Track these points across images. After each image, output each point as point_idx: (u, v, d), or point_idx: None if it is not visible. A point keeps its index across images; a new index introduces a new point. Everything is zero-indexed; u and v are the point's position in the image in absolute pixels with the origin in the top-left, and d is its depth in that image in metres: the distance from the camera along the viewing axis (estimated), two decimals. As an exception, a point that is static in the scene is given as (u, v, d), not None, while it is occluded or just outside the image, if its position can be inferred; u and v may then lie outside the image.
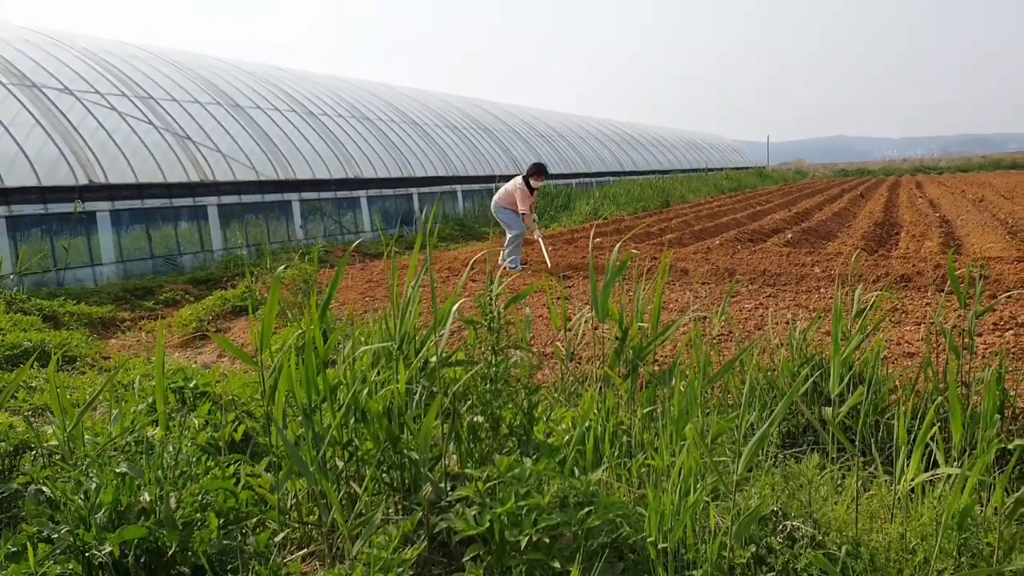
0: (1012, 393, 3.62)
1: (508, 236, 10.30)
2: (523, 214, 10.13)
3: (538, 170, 10.19)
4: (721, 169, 43.15)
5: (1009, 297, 6.66)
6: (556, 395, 3.71)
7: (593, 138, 32.05)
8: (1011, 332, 5.24)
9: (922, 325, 5.65)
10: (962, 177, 42.28)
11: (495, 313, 2.71)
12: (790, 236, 12.34)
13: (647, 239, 13.17)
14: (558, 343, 4.42)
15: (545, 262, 10.13)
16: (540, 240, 10.68)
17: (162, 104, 13.22)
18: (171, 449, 2.66)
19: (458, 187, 19.45)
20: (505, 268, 9.97)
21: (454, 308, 2.66)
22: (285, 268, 8.11)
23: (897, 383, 3.85)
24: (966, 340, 3.81)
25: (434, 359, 2.67)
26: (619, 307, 3.30)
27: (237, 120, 14.42)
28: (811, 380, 3.74)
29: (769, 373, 3.82)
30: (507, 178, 22.26)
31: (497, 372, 2.62)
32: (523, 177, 10.24)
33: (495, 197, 10.54)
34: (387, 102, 21.16)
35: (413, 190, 17.63)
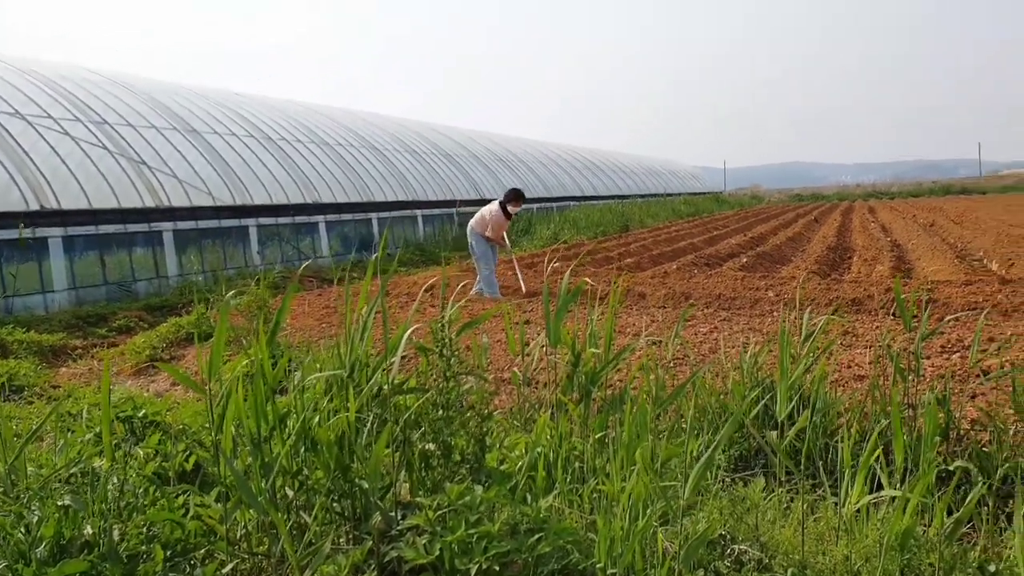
0: (957, 415, 3.71)
1: (479, 271, 10.13)
2: (490, 236, 10.02)
3: (516, 196, 10.04)
4: (679, 194, 43.76)
5: (956, 320, 6.84)
6: (511, 421, 3.72)
7: (554, 163, 32.32)
8: (958, 355, 5.37)
9: (872, 348, 5.76)
10: (914, 202, 43.40)
11: (446, 340, 2.72)
12: (745, 260, 12.54)
13: (606, 263, 13.30)
14: (515, 368, 4.43)
15: (520, 288, 10.13)
16: (515, 263, 10.67)
17: (117, 129, 13.06)
18: (115, 480, 2.61)
19: (418, 212, 19.47)
20: (473, 293, 9.90)
21: (406, 334, 2.66)
22: (236, 294, 8.03)
23: (845, 406, 3.93)
24: (913, 363, 3.91)
25: (386, 387, 2.67)
26: (574, 333, 3.33)
27: (194, 145, 14.29)
28: (762, 403, 3.80)
29: (722, 396, 3.88)
30: (469, 203, 22.48)
31: (449, 399, 2.62)
32: (500, 203, 10.08)
33: (471, 223, 10.33)
34: (346, 127, 21.14)
35: (372, 215, 17.60)
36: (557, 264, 12.42)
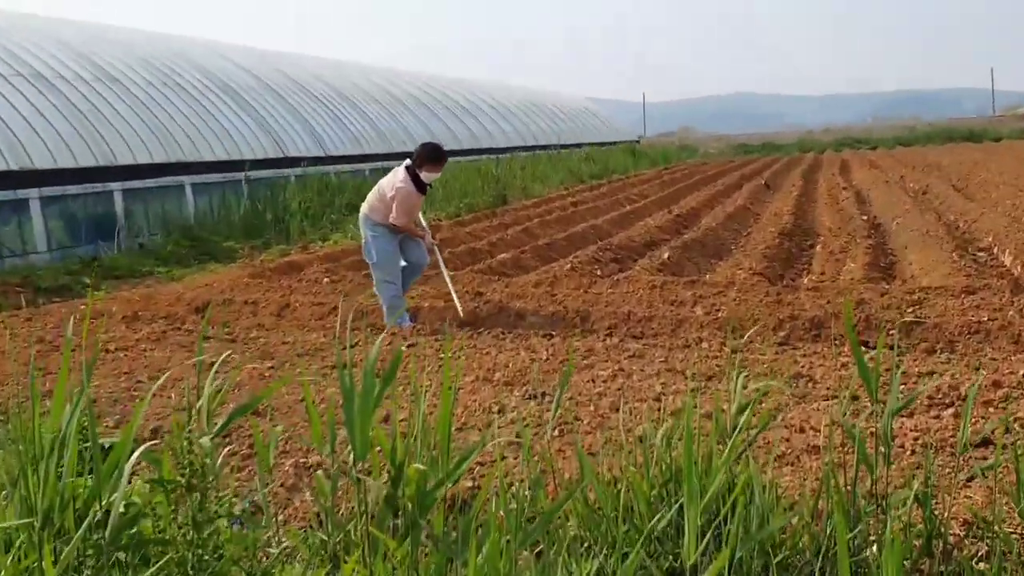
0: (945, 513, 3.88)
1: (376, 286, 9.47)
2: (395, 224, 9.21)
3: (433, 155, 9.32)
4: (580, 145, 44.48)
5: (951, 353, 7.22)
6: (314, 556, 3.65)
7: (398, 103, 32.22)
8: (951, 411, 5.64)
9: (834, 401, 5.99)
10: (902, 154, 45.66)
11: (200, 464, 2.63)
12: (667, 255, 12.87)
13: (472, 261, 13.37)
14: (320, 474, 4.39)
15: (456, 309, 9.33)
16: (442, 267, 9.71)
17: None
18: None
19: (186, 178, 19.00)
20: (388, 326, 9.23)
21: (130, 459, 2.56)
22: None
23: (790, 503, 4.05)
24: (884, 445, 4.07)
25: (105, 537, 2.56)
26: (400, 424, 3.30)
27: None
28: (676, 508, 3.87)
29: (625, 492, 3.91)
30: (265, 164, 22.05)
31: (201, 557, 2.54)
32: (407, 168, 9.28)
33: (365, 204, 9.57)
34: (63, 44, 20.35)
35: (114, 185, 17.03)
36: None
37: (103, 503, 2.65)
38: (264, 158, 21.74)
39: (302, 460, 5.39)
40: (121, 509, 2.61)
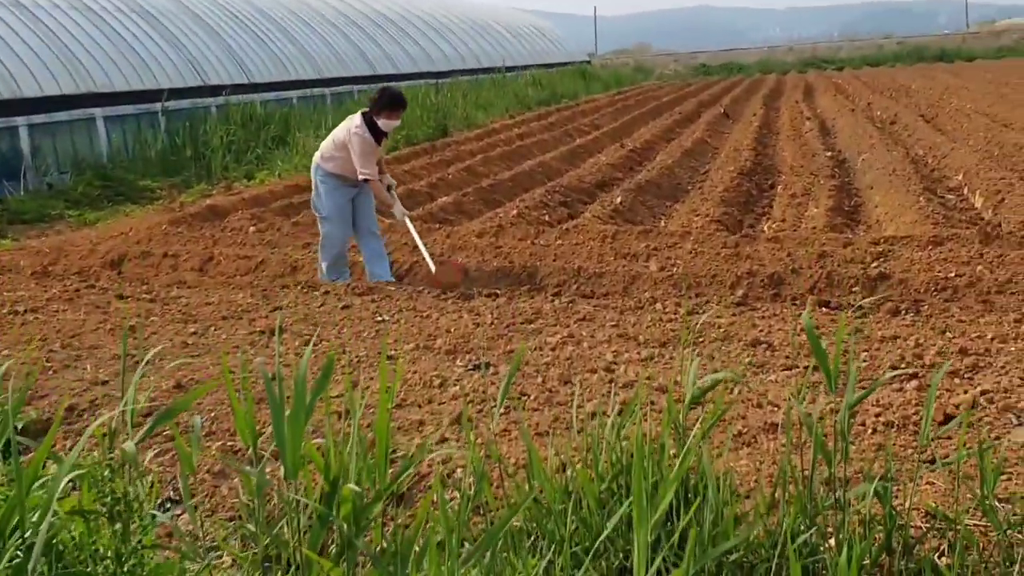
0: (907, 504, 3.98)
1: (321, 240, 9.44)
2: (366, 178, 9.21)
3: (391, 101, 9.24)
4: (527, 67, 44.25)
5: (916, 313, 7.36)
6: None
7: (327, 23, 31.77)
8: (915, 383, 5.76)
9: (796, 371, 6.10)
10: (870, 76, 45.98)
11: (122, 494, 2.66)
12: (620, 200, 12.93)
13: (411, 206, 13.30)
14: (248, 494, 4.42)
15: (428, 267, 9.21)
16: (409, 224, 9.53)
17: None
18: None
19: (98, 111, 18.72)
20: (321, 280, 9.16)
21: (58, 486, 2.57)
22: None
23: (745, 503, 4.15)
24: (855, 432, 4.16)
25: None
26: (335, 436, 3.33)
27: None
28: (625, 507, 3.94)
29: (575, 484, 3.97)
30: (184, 93, 21.70)
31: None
32: (363, 114, 9.29)
33: (318, 153, 9.51)
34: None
35: (19, 120, 16.77)
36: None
37: (24, 525, 2.66)
38: (183, 87, 21.41)
39: (229, 443, 5.41)
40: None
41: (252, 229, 11.50)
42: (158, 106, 20.05)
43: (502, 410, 5.61)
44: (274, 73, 25.62)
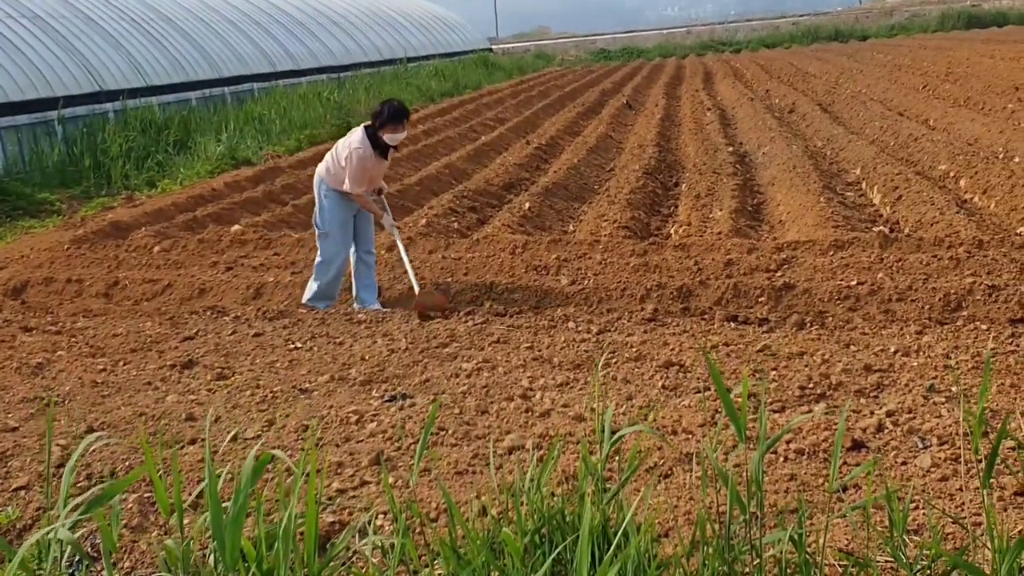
0: (816, 543, 4.10)
1: (318, 260, 9.24)
2: (350, 192, 9.08)
3: (394, 114, 8.96)
4: (429, 58, 44.20)
5: (821, 326, 7.52)
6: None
7: (225, 20, 31.36)
8: (822, 405, 5.89)
9: (708, 393, 6.19)
10: (767, 59, 46.67)
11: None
12: (528, 206, 13.00)
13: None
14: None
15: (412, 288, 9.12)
16: (399, 243, 9.43)
17: None
18: None
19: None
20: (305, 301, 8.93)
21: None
22: None
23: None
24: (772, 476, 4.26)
25: None
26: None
27: None
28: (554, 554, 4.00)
29: (497, 533, 4.02)
30: (81, 100, 21.21)
31: None
32: (366, 128, 9.08)
33: (323, 166, 9.35)
34: None
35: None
36: (236, 228, 12.17)
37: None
38: (79, 93, 20.97)
39: (147, 495, 5.35)
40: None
41: (157, 248, 11.26)
42: (54, 114, 19.59)
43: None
44: (172, 75, 25.21)
